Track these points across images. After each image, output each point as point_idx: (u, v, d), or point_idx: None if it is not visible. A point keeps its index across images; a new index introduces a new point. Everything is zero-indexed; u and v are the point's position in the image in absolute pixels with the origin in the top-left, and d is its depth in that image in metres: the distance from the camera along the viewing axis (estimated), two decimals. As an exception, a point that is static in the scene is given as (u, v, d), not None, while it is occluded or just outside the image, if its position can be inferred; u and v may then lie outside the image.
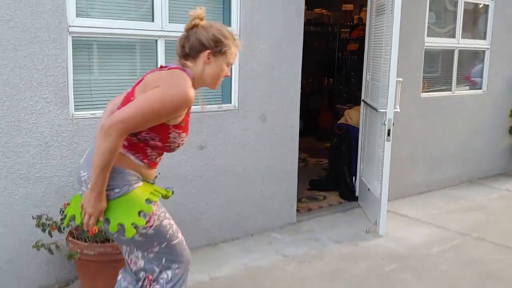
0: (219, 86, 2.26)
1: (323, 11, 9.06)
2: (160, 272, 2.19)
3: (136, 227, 2.03)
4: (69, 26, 3.18)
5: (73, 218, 2.20)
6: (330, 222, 4.66)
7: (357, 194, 5.30)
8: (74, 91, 3.28)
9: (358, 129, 5.30)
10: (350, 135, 5.46)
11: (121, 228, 2.03)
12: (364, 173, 5.10)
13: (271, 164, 4.35)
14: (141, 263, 2.20)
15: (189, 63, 2.13)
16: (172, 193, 3.43)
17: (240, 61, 3.99)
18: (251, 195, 4.27)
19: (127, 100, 2.09)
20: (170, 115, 2.01)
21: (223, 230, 4.14)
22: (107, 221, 2.05)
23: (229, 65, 2.20)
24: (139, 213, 2.03)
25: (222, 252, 3.95)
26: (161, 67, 2.20)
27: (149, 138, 2.07)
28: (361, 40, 6.31)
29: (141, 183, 2.11)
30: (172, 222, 2.19)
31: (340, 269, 3.69)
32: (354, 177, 5.36)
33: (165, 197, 2.31)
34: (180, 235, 2.24)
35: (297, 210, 4.67)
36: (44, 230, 2.97)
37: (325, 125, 8.14)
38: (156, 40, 3.61)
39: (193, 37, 2.13)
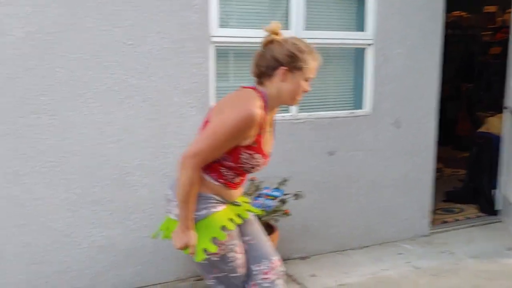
0: (298, 102, 2.14)
1: (462, 13, 8.56)
2: None
3: (206, 252, 2.03)
4: (212, 36, 3.39)
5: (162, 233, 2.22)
6: (467, 236, 4.38)
7: (497, 207, 4.92)
8: (216, 97, 3.49)
9: (500, 138, 4.92)
10: (492, 144, 5.08)
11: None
12: (506, 185, 4.72)
13: (404, 172, 4.22)
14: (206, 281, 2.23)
15: (265, 82, 2.08)
16: (303, 197, 3.53)
17: (375, 65, 3.94)
18: (382, 204, 4.18)
19: (205, 122, 2.09)
20: (238, 138, 1.97)
21: (351, 238, 4.11)
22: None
23: (308, 80, 2.08)
24: (212, 239, 2.01)
25: (350, 259, 3.92)
26: (241, 88, 2.15)
27: (221, 158, 2.03)
28: (504, 43, 5.84)
29: (220, 208, 2.08)
30: (237, 256, 2.13)
31: (477, 286, 3.45)
32: (494, 190, 4.98)
33: (257, 213, 2.32)
34: (241, 271, 2.16)
35: (431, 222, 4.46)
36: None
37: (462, 133, 7.67)
38: (291, 48, 3.70)
39: (268, 54, 2.05)
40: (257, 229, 2.31)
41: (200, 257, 2.02)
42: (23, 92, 2.98)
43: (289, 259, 3.85)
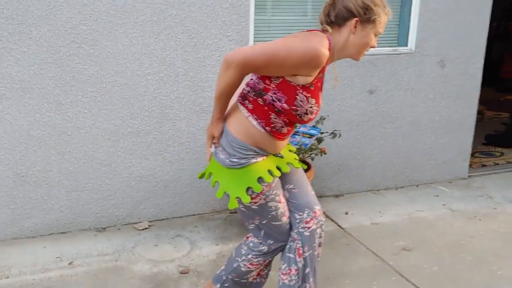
0: (362, 57, 2.06)
1: None
2: (260, 243, 2.20)
3: (240, 202, 2.02)
4: (253, -35, 3.27)
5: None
6: (506, 181, 4.30)
7: (540, 154, 4.79)
8: (254, 30, 3.40)
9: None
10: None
11: (226, 197, 2.04)
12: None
13: (446, 114, 4.11)
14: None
15: (332, 32, 1.97)
16: (339, 135, 3.51)
17: (421, 0, 3.75)
18: (420, 145, 4.11)
19: None
20: (295, 68, 1.88)
21: (387, 178, 4.08)
22: (217, 184, 2.06)
23: (378, 34, 1.99)
24: (247, 189, 1.99)
25: (384, 199, 3.92)
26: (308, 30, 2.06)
27: (276, 98, 1.96)
28: None
29: (260, 159, 2.04)
30: (279, 205, 2.11)
31: (515, 231, 3.43)
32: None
33: (297, 167, 2.24)
34: (284, 219, 2.15)
35: (469, 165, 4.38)
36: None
37: (507, 75, 7.38)
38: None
39: (340, 3, 1.94)
40: (301, 177, 2.27)
41: (233, 205, 2.02)
42: (64, 21, 2.97)
43: (322, 197, 3.88)
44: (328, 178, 3.90)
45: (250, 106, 2.00)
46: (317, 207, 2.22)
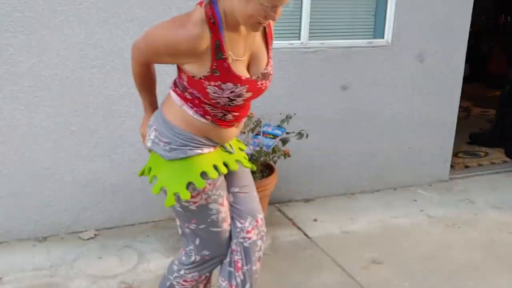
0: (258, 29, 1.67)
1: None
2: (192, 250, 1.94)
3: (178, 198, 1.77)
4: None
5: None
6: (490, 184, 4.04)
7: (527, 153, 4.53)
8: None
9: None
10: (527, 83, 4.62)
11: (163, 193, 1.80)
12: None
13: (426, 111, 3.83)
14: (179, 231, 1.97)
15: None
16: (307, 136, 3.22)
17: (399, -11, 3.46)
18: (398, 145, 3.83)
19: None
20: (170, 57, 1.70)
21: (362, 180, 3.80)
22: (155, 178, 1.82)
23: (275, 6, 1.58)
24: (188, 184, 1.74)
25: (358, 204, 3.64)
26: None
27: (196, 95, 1.73)
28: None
29: (206, 150, 1.79)
30: (221, 208, 1.86)
31: (496, 240, 3.16)
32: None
33: (247, 167, 2.01)
34: (225, 226, 1.90)
35: (451, 166, 4.11)
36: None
37: (497, 70, 7.11)
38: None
39: None
40: (249, 181, 2.03)
41: (170, 202, 1.75)
42: (-9, 6, 2.65)
43: (291, 201, 3.60)
44: (297, 181, 3.60)
45: (181, 94, 1.77)
46: (260, 216, 1.99)
